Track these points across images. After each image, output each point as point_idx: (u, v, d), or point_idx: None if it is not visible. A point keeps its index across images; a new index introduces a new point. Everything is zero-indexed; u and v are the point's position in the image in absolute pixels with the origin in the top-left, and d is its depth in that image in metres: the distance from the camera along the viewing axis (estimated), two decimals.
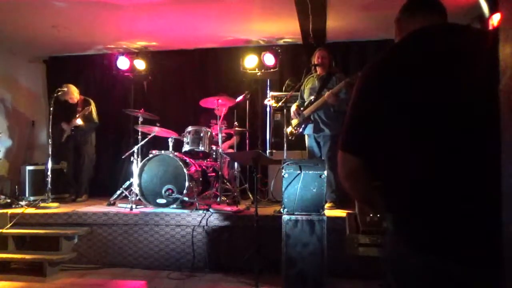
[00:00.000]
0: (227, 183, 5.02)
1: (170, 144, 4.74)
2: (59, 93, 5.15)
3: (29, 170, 5.53)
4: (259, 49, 5.68)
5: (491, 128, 0.94)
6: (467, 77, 1.10)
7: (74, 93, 5.44)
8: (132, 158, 4.83)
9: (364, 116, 1.19)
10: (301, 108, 4.49)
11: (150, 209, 4.38)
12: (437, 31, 1.22)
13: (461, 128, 1.07)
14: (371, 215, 2.40)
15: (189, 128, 4.81)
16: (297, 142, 4.78)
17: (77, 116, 5.29)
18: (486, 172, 1.02)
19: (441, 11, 1.32)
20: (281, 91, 5.43)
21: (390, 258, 1.22)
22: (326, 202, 3.95)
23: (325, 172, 3.48)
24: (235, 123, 5.25)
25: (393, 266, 1.19)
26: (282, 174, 3.49)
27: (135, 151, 4.83)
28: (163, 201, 4.42)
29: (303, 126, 4.47)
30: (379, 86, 1.17)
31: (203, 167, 5.03)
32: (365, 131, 1.19)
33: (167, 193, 4.40)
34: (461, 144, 1.07)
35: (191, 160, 4.78)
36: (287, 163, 3.51)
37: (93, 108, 5.44)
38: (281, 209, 3.52)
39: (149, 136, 4.94)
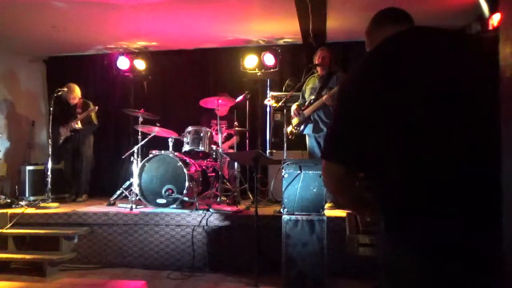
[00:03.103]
0: (227, 183, 5.02)
1: (170, 144, 4.74)
2: (60, 92, 5.15)
3: (29, 170, 5.53)
4: (259, 49, 5.68)
5: (479, 127, 0.96)
6: (441, 75, 1.12)
7: (76, 92, 5.45)
8: (132, 158, 4.83)
9: (345, 124, 1.23)
10: (302, 108, 4.50)
11: (150, 209, 4.38)
12: (406, 35, 1.26)
13: (447, 128, 1.08)
14: None
15: (189, 128, 4.80)
16: (297, 142, 4.78)
17: (75, 120, 5.29)
18: (484, 172, 1.01)
19: (408, 21, 1.38)
20: (281, 91, 5.43)
21: (384, 260, 1.21)
22: (326, 202, 3.95)
23: None
24: (235, 123, 5.25)
25: (388, 268, 1.19)
26: (282, 174, 3.49)
27: (135, 151, 4.82)
28: (163, 201, 4.41)
29: (303, 125, 4.47)
30: (356, 95, 1.21)
31: (203, 167, 5.03)
32: (346, 139, 1.22)
33: (167, 193, 4.40)
34: (454, 143, 1.07)
35: (191, 160, 4.77)
36: (287, 163, 3.51)
37: (92, 111, 5.44)
38: (281, 209, 3.51)
39: (149, 136, 4.94)
